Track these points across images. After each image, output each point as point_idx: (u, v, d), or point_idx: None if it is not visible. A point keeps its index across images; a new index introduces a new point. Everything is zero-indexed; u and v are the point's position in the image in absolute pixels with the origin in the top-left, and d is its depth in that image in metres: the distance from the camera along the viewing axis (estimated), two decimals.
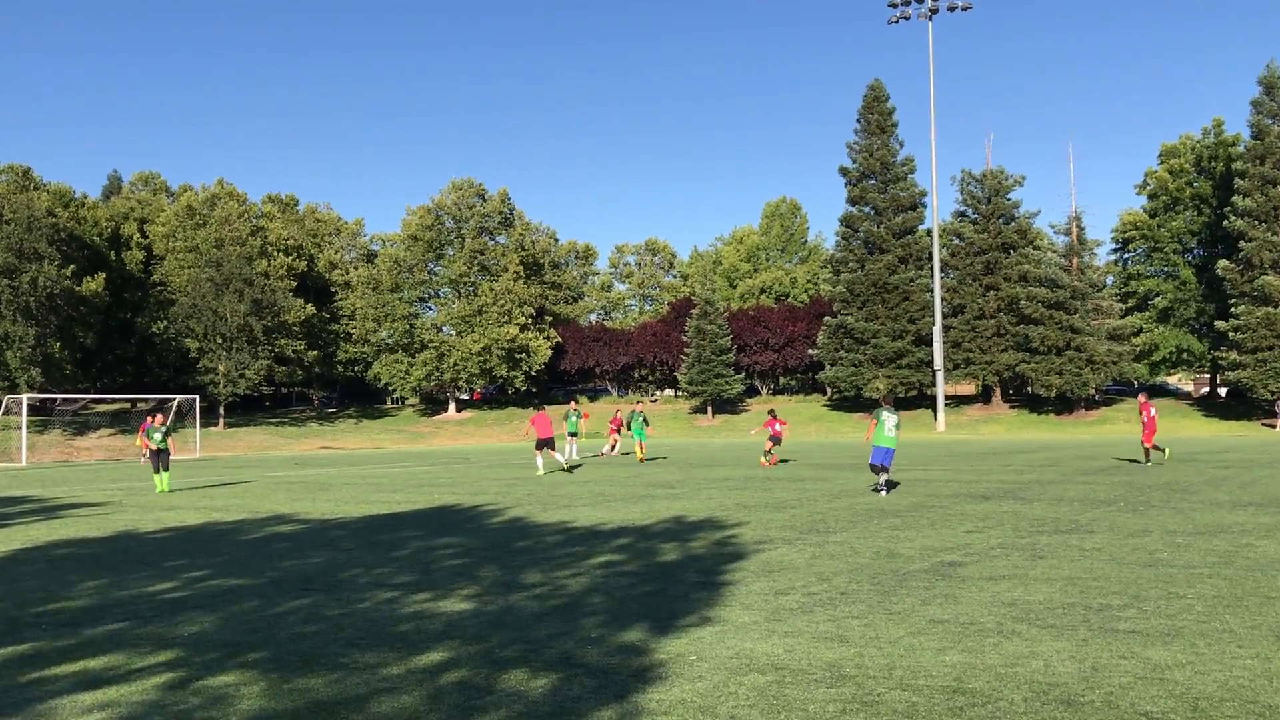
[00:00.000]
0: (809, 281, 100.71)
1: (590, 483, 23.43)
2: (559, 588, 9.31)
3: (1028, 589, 8.80)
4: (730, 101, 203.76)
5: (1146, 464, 26.31)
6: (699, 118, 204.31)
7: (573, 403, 35.01)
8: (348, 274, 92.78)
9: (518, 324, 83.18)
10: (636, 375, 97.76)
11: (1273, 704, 5.47)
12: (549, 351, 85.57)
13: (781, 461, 31.21)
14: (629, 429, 36.36)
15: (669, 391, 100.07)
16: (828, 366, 75.60)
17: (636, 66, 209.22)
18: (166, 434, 24.30)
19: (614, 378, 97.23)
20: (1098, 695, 5.63)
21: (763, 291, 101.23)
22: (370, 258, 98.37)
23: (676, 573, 10.02)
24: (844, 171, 76.65)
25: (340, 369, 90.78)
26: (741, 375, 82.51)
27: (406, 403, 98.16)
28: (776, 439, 30.11)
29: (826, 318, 76.44)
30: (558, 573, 10.16)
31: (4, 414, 49.56)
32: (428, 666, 6.54)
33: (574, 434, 33.23)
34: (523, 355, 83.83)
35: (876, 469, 18.78)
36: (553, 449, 28.13)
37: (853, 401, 77.55)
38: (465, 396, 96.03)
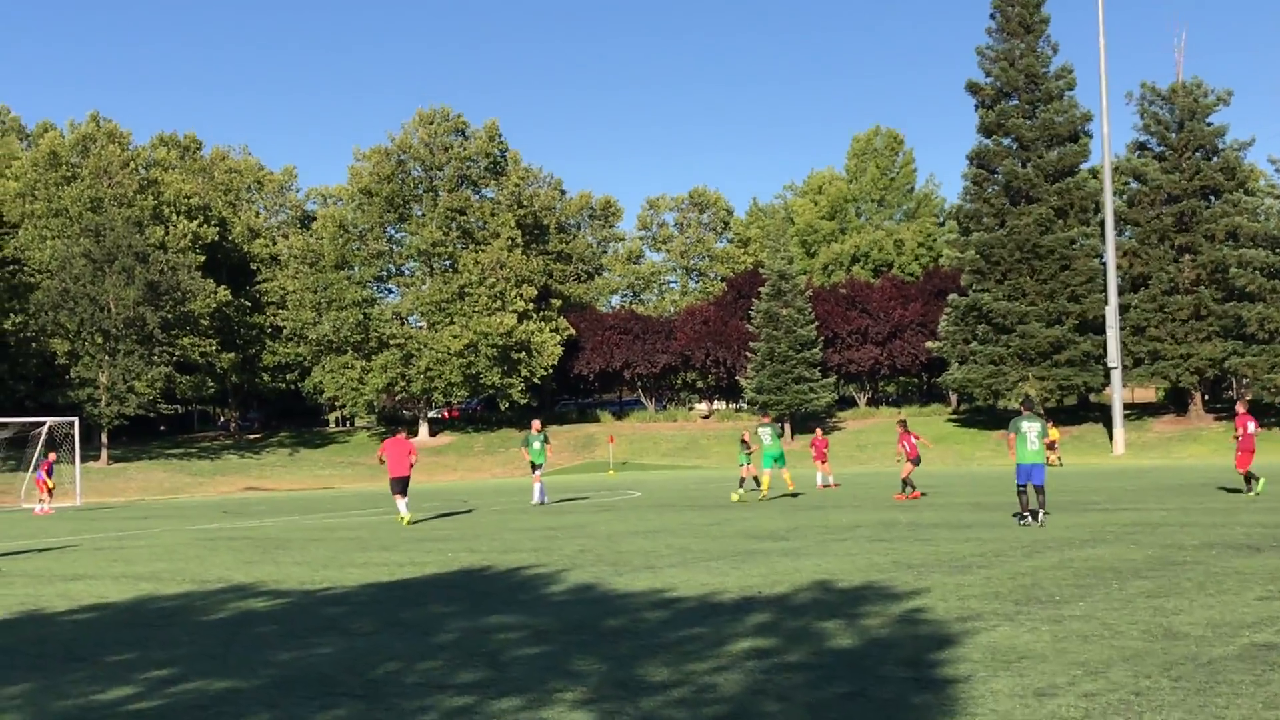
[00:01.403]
0: (921, 245, 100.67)
1: (661, 533, 23.13)
2: (705, 689, 8.93)
3: None
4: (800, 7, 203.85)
5: (1249, 494, 28.24)
6: (758, 21, 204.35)
7: (535, 423, 35.10)
8: (274, 245, 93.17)
9: (514, 310, 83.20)
10: (681, 380, 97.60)
11: None
12: (559, 349, 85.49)
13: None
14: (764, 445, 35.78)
15: (720, 404, 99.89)
16: (954, 365, 75.21)
17: None
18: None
19: (648, 385, 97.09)
20: None
21: (854, 260, 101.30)
22: (306, 222, 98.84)
23: (867, 665, 9.63)
24: (973, 88, 76.23)
25: (265, 378, 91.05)
26: (832, 380, 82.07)
27: (357, 424, 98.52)
28: (915, 460, 30.27)
29: (951, 296, 76.05)
30: (691, 666, 9.79)
31: None
32: None
33: (538, 465, 33.46)
34: (522, 355, 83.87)
35: (1025, 491, 21.23)
36: (403, 494, 28.92)
37: (990, 414, 77.04)
38: (436, 414, 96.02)
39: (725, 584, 15.00)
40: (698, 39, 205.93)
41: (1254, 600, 12.38)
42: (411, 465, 29.42)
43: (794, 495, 35.13)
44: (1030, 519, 21.76)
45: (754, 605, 13.15)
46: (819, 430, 46.21)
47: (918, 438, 32.14)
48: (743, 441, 38.23)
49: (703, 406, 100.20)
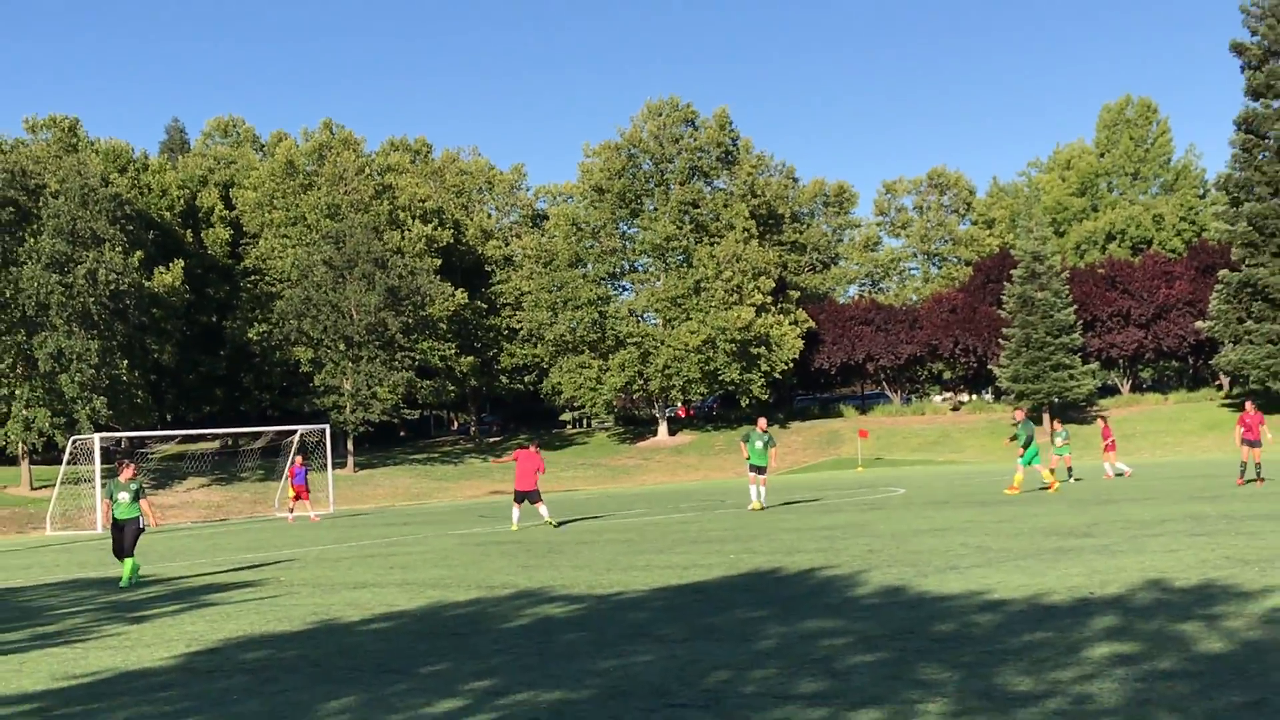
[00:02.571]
0: (1183, 220, 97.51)
1: (949, 531, 22.55)
2: (1083, 700, 8.38)
3: None
4: None
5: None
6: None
7: (761, 422, 34.04)
8: (508, 245, 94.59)
9: (752, 304, 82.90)
10: (927, 371, 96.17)
11: None
12: (799, 342, 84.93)
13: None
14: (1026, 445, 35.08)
15: (968, 396, 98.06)
16: (1227, 346, 72.61)
17: None
18: (138, 495, 22.49)
19: (892, 377, 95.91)
20: None
21: (1109, 238, 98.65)
22: (538, 221, 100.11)
23: (1255, 672, 8.97)
24: (1238, 48, 73.43)
25: (503, 380, 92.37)
26: (1093, 366, 79.92)
27: (594, 425, 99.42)
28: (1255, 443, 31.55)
29: (1222, 272, 73.49)
30: (1054, 675, 9.25)
31: (69, 463, 51.75)
32: None
33: (762, 467, 32.48)
34: (761, 349, 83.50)
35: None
36: (537, 500, 30.12)
37: (1269, 397, 74.00)
38: (672, 413, 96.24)
39: (1047, 584, 14.35)
40: (926, 12, 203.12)
41: None
42: (538, 478, 30.79)
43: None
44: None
45: (1090, 607, 12.51)
46: (1103, 420, 45.03)
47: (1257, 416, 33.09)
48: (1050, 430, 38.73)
49: (947, 397, 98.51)
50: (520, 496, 30.81)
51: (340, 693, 10.26)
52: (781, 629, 12.19)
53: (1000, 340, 79.78)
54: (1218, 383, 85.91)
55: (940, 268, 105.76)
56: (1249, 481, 32.67)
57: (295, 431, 53.20)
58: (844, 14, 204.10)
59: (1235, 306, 72.03)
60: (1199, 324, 76.17)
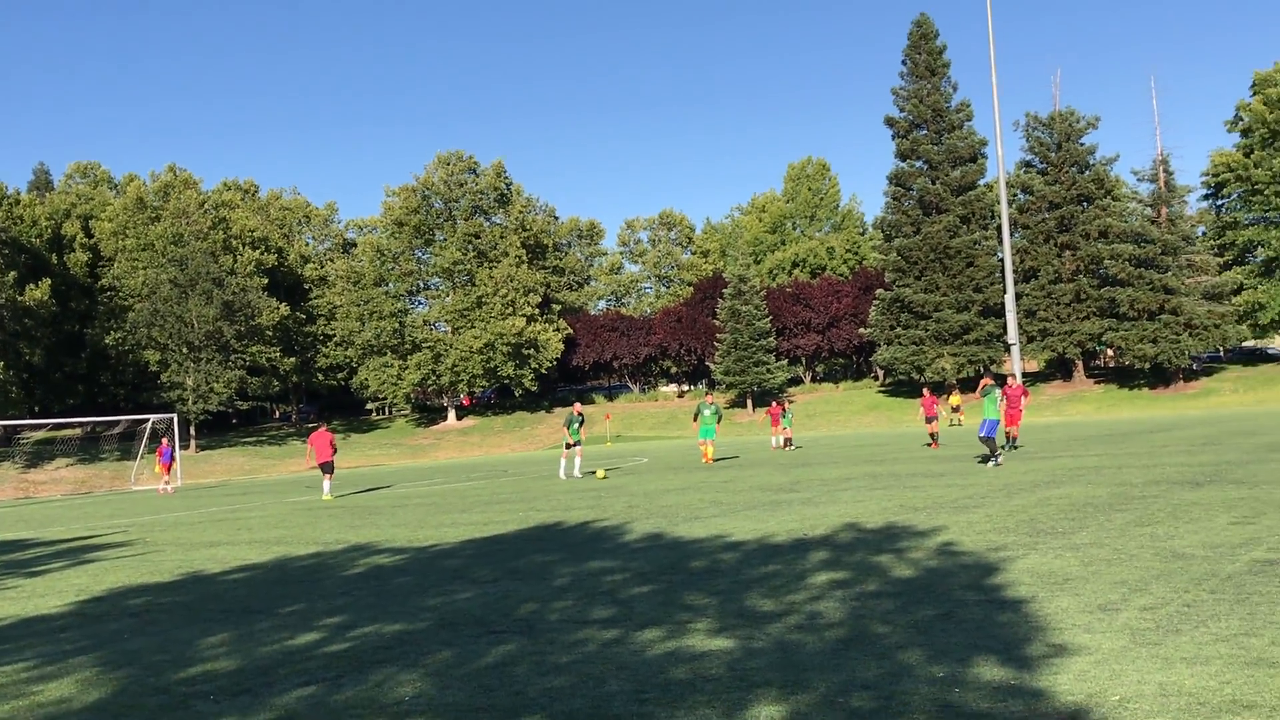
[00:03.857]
0: (848, 251, 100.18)
1: (688, 490, 22.70)
2: (816, 616, 8.51)
3: None
4: (745, 53, 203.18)
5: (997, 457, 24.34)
6: (708, 72, 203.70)
7: (576, 406, 33.87)
8: (322, 268, 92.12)
9: (523, 315, 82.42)
10: (658, 368, 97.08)
11: None
12: (560, 345, 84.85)
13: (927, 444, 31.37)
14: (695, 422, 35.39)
15: (690, 385, 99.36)
16: (882, 346, 74.94)
17: (633, 21, 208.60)
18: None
19: (632, 372, 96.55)
20: None
21: (794, 265, 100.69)
22: (348, 248, 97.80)
23: (940, 591, 9.23)
24: (890, 122, 75.86)
25: (320, 377, 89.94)
26: (784, 362, 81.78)
27: (396, 412, 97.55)
28: (932, 418, 34.62)
29: (879, 291, 75.75)
30: (790, 597, 9.36)
31: None
32: None
33: (577, 442, 32.07)
34: (531, 351, 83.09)
35: (991, 440, 23.80)
36: (329, 473, 29.41)
37: (912, 385, 76.82)
38: (459, 403, 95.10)
39: (770, 529, 14.54)
40: (657, 85, 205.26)
41: (1228, 525, 12.01)
42: (334, 453, 30.04)
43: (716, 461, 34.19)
44: (995, 461, 23.18)
45: (807, 545, 12.71)
46: (774, 402, 46.09)
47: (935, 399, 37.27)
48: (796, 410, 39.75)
49: (674, 387, 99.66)
50: (326, 468, 29.65)
51: (215, 630, 9.81)
52: (572, 569, 12.08)
53: (715, 343, 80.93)
54: (874, 374, 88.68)
55: (669, 287, 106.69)
56: (926, 445, 35.04)
57: (147, 420, 50.83)
58: (597, 86, 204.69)
59: (888, 317, 74.38)
60: (862, 330, 78.41)
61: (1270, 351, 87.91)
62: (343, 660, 8.10)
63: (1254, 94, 73.54)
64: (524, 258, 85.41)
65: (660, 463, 37.61)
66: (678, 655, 7.46)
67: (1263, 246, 71.69)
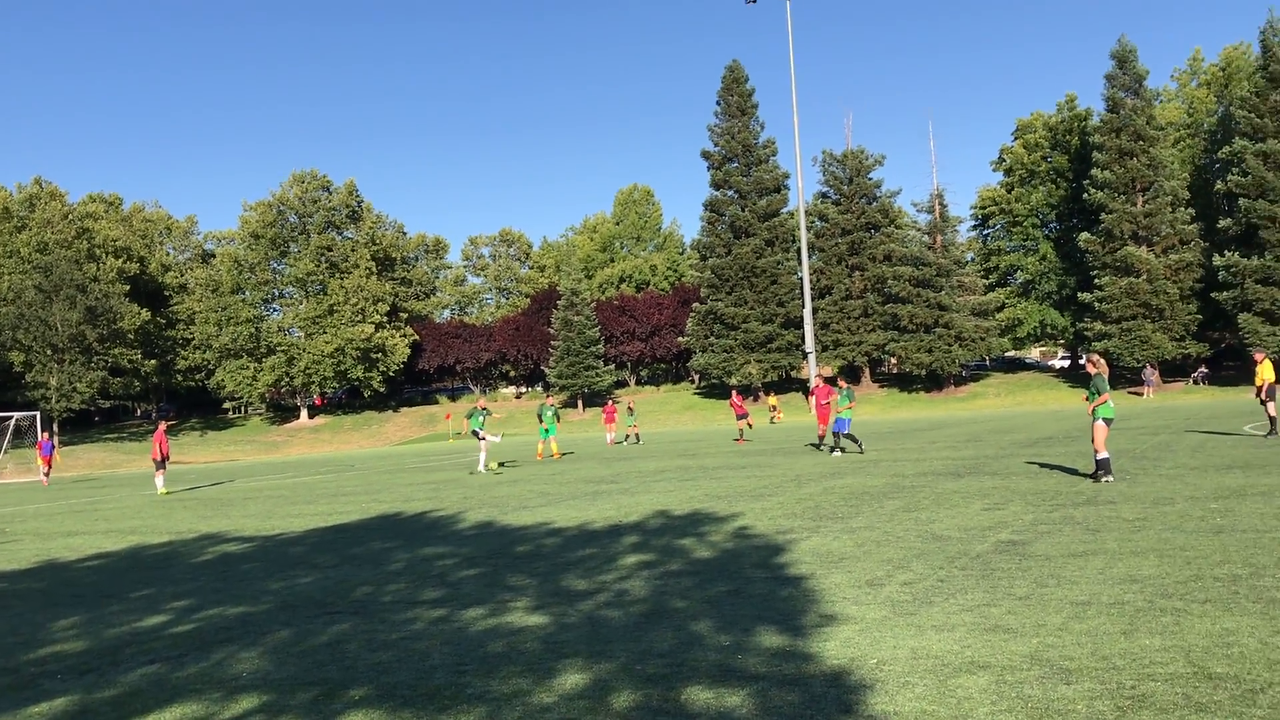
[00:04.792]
0: (669, 269, 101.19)
1: (519, 482, 22.64)
2: (623, 594, 8.62)
3: (1129, 564, 8.52)
4: (579, 86, 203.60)
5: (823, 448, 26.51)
6: (548, 103, 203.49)
7: (480, 401, 33.12)
8: (183, 276, 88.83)
9: (372, 322, 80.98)
10: (499, 372, 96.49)
11: None
12: (407, 350, 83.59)
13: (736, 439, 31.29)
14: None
15: (527, 388, 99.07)
16: (697, 353, 75.88)
17: (478, 52, 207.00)
18: None
19: (474, 375, 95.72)
20: None
21: (622, 280, 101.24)
22: (206, 258, 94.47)
23: (733, 569, 9.45)
24: (706, 155, 76.99)
25: (179, 378, 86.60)
26: (611, 367, 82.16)
27: (252, 411, 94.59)
28: (743, 415, 34.76)
29: (695, 304, 76.71)
30: (602, 577, 9.46)
31: None
32: (580, 690, 5.81)
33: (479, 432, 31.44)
34: (379, 355, 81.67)
35: (839, 436, 24.32)
36: (161, 469, 27.99)
37: (723, 388, 78.10)
38: (311, 403, 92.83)
39: (589, 516, 14.63)
40: (513, 115, 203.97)
41: (981, 511, 12.58)
42: (166, 450, 28.23)
43: (561, 457, 34.22)
44: (839, 452, 24.34)
45: (620, 530, 12.84)
46: (610, 402, 46.19)
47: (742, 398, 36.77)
48: (638, 408, 38.68)
49: (513, 389, 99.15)
50: (160, 465, 27.84)
51: (67, 613, 9.41)
52: (406, 555, 11.95)
53: (550, 349, 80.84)
54: (691, 378, 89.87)
55: (508, 298, 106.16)
56: (735, 440, 35.68)
57: (11, 417, 48.16)
58: (446, 110, 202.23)
59: (703, 327, 75.38)
60: (680, 339, 79.33)
61: (1028, 360, 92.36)
62: (186, 640, 7.87)
63: (1015, 138, 77.14)
64: (373, 269, 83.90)
65: (497, 458, 37.33)
66: (497, 631, 7.47)
67: (1021, 270, 75.24)
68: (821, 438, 29.20)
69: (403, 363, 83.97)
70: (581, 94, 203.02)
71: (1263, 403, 23.26)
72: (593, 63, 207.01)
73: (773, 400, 63.73)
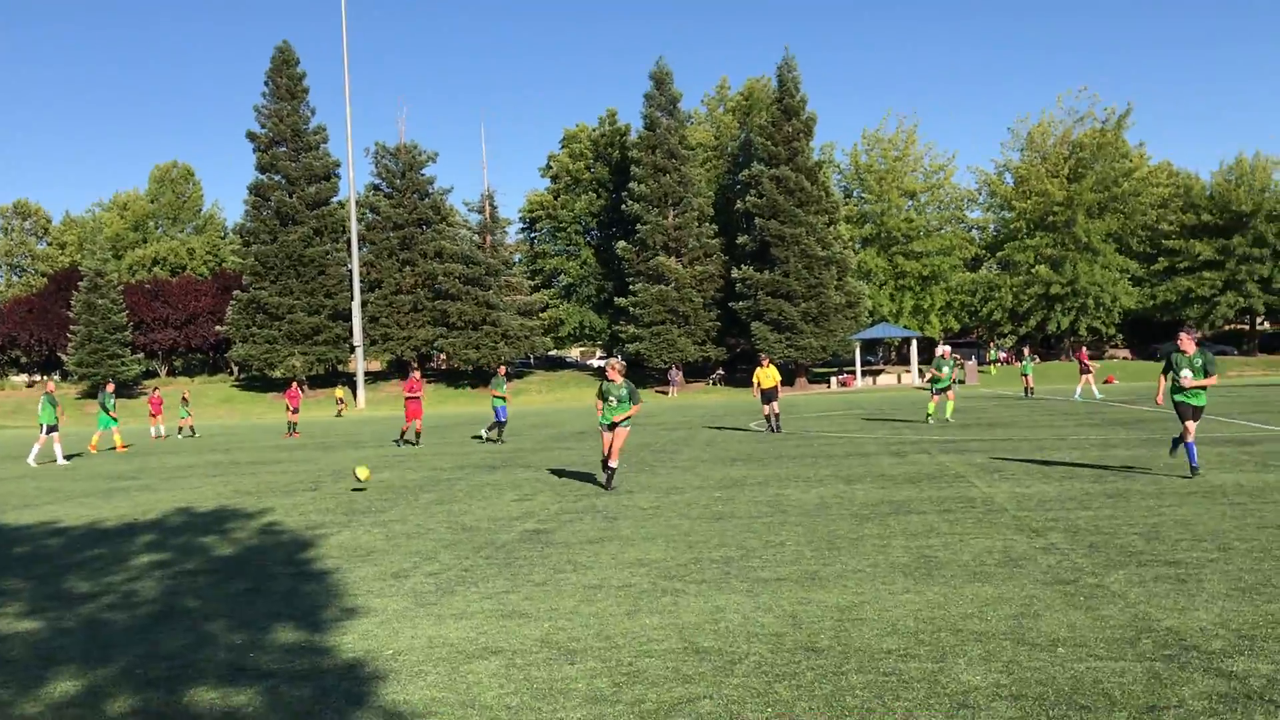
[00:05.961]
0: (209, 253, 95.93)
1: (25, 479, 20.48)
2: (131, 595, 8.07)
3: (640, 549, 9.16)
4: (113, 58, 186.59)
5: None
6: (76, 72, 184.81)
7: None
8: None
9: None
10: (8, 358, 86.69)
11: (982, 630, 6.23)
12: None
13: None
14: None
15: (41, 376, 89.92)
16: (238, 344, 72.33)
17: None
18: None
19: None
20: (828, 640, 6.02)
21: (155, 263, 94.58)
22: None
23: (255, 567, 9.13)
24: (252, 137, 73.54)
25: None
26: (140, 355, 76.24)
27: None
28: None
29: (236, 292, 73.03)
30: (108, 579, 8.79)
31: None
32: (72, 698, 5.38)
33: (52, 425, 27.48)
34: None
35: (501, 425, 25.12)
36: None
37: (265, 381, 75.05)
38: None
39: (102, 515, 13.53)
40: (30, 75, 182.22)
41: (512, 501, 13.01)
42: None
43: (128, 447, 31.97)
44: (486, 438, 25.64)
45: (135, 529, 12.00)
46: (156, 390, 42.68)
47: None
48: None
49: (25, 377, 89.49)
50: None
51: None
52: None
53: (69, 335, 73.72)
54: (230, 370, 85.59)
55: (20, 277, 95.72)
56: (285, 435, 34.13)
57: None
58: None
59: (245, 316, 71.84)
60: (219, 328, 75.20)
61: (569, 359, 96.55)
62: None
63: (563, 147, 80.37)
64: None
65: (6, 453, 33.57)
66: None
67: (564, 274, 78.51)
68: (404, 433, 26.26)
69: None
70: (119, 63, 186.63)
71: (764, 403, 25.74)
72: (139, 31, 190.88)
73: (339, 392, 62.31)
